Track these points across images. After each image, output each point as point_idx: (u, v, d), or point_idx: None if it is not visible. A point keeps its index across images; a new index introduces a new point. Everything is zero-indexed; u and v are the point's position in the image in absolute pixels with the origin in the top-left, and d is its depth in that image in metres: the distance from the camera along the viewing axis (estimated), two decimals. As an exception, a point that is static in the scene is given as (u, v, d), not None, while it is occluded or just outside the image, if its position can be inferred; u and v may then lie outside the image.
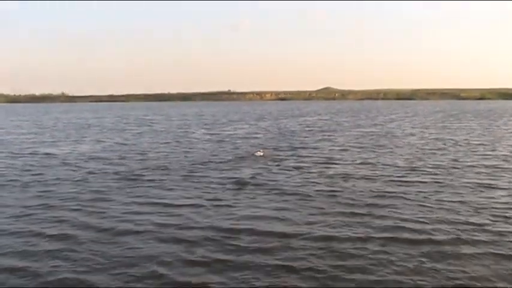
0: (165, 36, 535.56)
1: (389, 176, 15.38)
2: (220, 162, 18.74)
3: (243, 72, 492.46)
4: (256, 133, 34.12)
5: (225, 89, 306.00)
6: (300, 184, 14.10)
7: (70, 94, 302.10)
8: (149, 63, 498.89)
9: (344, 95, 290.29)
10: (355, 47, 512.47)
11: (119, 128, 42.22)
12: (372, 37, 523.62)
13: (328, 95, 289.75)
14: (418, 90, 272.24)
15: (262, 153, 21.96)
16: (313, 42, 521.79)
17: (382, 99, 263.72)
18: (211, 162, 18.90)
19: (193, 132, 35.01)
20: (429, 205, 11.44)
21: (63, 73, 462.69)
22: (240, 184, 14.16)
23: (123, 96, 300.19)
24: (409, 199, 12.02)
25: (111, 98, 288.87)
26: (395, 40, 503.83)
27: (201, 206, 11.54)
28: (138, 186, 13.99)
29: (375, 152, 21.91)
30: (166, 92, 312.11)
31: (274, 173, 16.07)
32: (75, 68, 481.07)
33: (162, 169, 17.16)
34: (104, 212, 11.03)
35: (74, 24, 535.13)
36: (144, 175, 15.89)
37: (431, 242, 8.73)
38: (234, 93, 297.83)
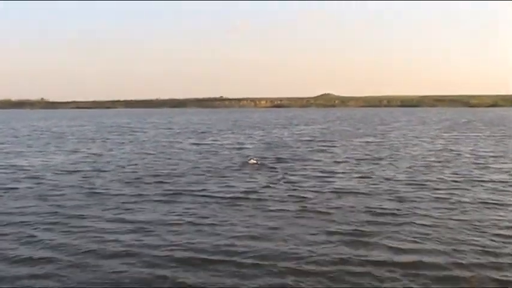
0: (154, 38, 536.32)
1: (388, 191, 15.03)
2: (205, 175, 18.41)
3: (237, 77, 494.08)
4: (247, 143, 33.82)
5: (218, 95, 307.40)
6: (290, 201, 13.72)
7: (50, 100, 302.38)
8: (138, 68, 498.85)
9: (344, 101, 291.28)
10: (357, 51, 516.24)
11: (99, 137, 41.80)
12: (375, 40, 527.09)
13: (327, 101, 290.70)
14: (425, 96, 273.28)
15: (256, 161, 22.49)
16: (311, 46, 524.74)
17: (386, 106, 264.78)
18: (196, 175, 18.53)
19: (179, 142, 34.67)
20: (430, 226, 11.04)
21: (43, 77, 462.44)
22: (225, 200, 13.87)
23: (108, 102, 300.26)
24: (410, 221, 11.59)
25: (96, 104, 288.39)
26: (400, 43, 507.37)
27: (180, 226, 11.13)
28: (112, 203, 13.54)
29: (374, 164, 21.63)
30: (155, 98, 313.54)
31: (262, 188, 15.67)
32: (57, 71, 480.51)
33: (141, 183, 16.76)
34: (70, 234, 10.57)
35: (55, 25, 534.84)
36: (120, 190, 15.45)
37: (433, 269, 8.32)
38: (226, 99, 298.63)
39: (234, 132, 47.97)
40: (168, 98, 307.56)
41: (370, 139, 36.97)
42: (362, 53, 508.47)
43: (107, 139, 38.64)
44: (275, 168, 20.58)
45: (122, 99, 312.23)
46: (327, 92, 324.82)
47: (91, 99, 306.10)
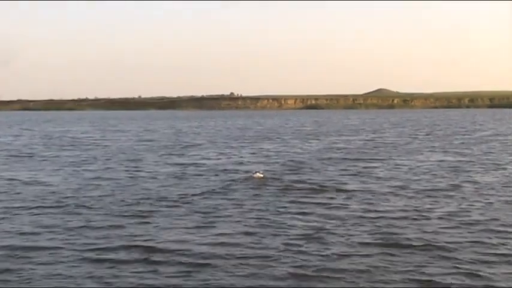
0: (136, 15, 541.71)
1: (455, 240, 13.34)
2: (174, 215, 17.16)
3: (254, 68, 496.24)
4: (250, 162, 32.53)
5: (227, 92, 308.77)
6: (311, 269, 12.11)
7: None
8: (114, 56, 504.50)
9: (407, 100, 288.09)
10: (424, 33, 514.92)
11: (28, 152, 41.21)
12: (450, 18, 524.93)
13: (382, 101, 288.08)
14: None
15: (262, 175, 24.74)
16: (360, 25, 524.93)
17: (468, 107, 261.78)
18: (155, 216, 17.23)
19: (150, 162, 33.49)
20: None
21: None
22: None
23: (69, 102, 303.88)
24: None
25: (51, 105, 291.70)
26: (488, 24, 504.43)
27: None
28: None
29: (433, 197, 20.21)
30: (137, 95, 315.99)
31: (263, 244, 14.05)
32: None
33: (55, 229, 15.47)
34: None
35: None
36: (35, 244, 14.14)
37: None
38: (239, 98, 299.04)
39: (235, 145, 47.11)
40: (153, 97, 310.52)
41: (437, 157, 35.75)
42: (432, 38, 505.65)
43: (42, 158, 37.53)
44: (282, 201, 19.62)
45: (89, 97, 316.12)
46: (381, 87, 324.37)
47: (45, 97, 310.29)
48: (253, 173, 24.93)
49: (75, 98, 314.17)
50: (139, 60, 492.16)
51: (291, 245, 13.76)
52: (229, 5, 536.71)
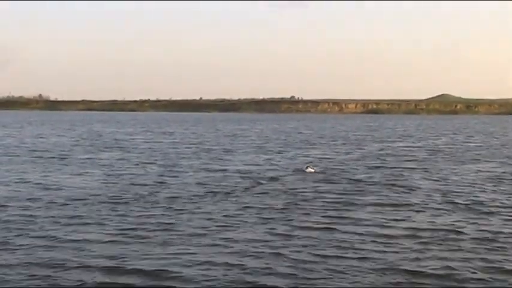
0: (200, 17, 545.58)
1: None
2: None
3: (314, 71, 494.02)
4: (290, 169, 30.85)
5: (288, 96, 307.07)
6: None
7: (52, 98, 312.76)
8: (177, 58, 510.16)
9: (470, 106, 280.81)
10: (490, 37, 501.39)
11: (62, 153, 40.80)
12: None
13: (444, 106, 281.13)
14: None
15: (313, 170, 26.51)
16: (421, 28, 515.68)
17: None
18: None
19: (188, 166, 32.37)
20: None
21: (42, 68, 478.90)
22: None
23: (132, 102, 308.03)
24: None
25: (115, 105, 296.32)
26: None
27: None
28: None
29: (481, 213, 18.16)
30: (198, 97, 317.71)
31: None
32: (62, 61, 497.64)
33: None
34: None
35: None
36: None
37: None
38: (299, 101, 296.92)
39: (279, 149, 46.35)
40: (214, 99, 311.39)
41: (486, 166, 33.59)
42: (498, 38, 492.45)
43: (75, 159, 37.01)
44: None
45: (151, 98, 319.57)
46: (444, 92, 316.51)
47: (108, 98, 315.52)
48: (305, 168, 26.73)
49: (137, 99, 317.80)
50: (202, 62, 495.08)
51: (328, 257, 13.05)
52: (294, 9, 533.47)
